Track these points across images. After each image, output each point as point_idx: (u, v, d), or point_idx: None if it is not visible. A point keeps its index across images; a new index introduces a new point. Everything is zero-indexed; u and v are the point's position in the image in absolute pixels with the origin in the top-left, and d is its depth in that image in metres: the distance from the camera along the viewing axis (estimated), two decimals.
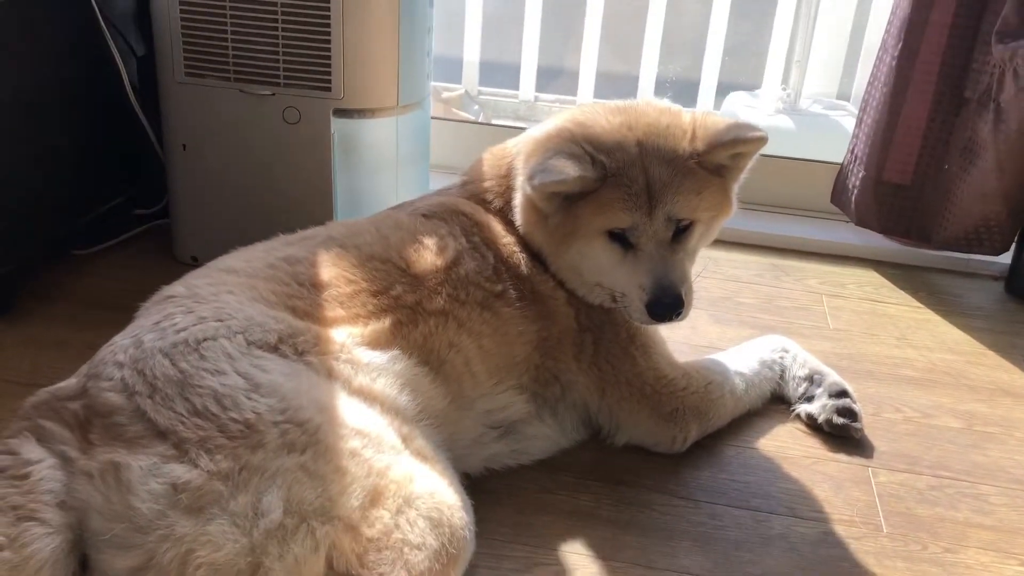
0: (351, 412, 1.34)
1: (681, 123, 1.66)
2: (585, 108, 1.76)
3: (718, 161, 1.65)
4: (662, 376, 1.74)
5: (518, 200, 1.71)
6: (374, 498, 1.25)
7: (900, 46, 2.43)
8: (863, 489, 1.70)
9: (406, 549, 1.23)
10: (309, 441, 1.24)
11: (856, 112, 2.68)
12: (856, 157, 2.62)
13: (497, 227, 1.73)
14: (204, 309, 1.37)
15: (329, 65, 2.04)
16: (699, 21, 3.08)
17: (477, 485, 1.59)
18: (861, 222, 2.66)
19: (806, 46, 3.09)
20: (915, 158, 2.52)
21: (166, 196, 2.34)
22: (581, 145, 1.60)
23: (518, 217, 1.71)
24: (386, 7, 2.02)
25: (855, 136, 2.63)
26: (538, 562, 1.49)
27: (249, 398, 1.24)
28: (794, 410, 1.89)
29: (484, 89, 3.31)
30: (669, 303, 1.60)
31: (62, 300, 2.14)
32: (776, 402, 1.93)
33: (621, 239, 1.62)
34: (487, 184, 1.80)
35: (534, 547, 1.52)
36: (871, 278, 2.57)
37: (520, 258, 1.70)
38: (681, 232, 1.64)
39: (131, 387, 1.22)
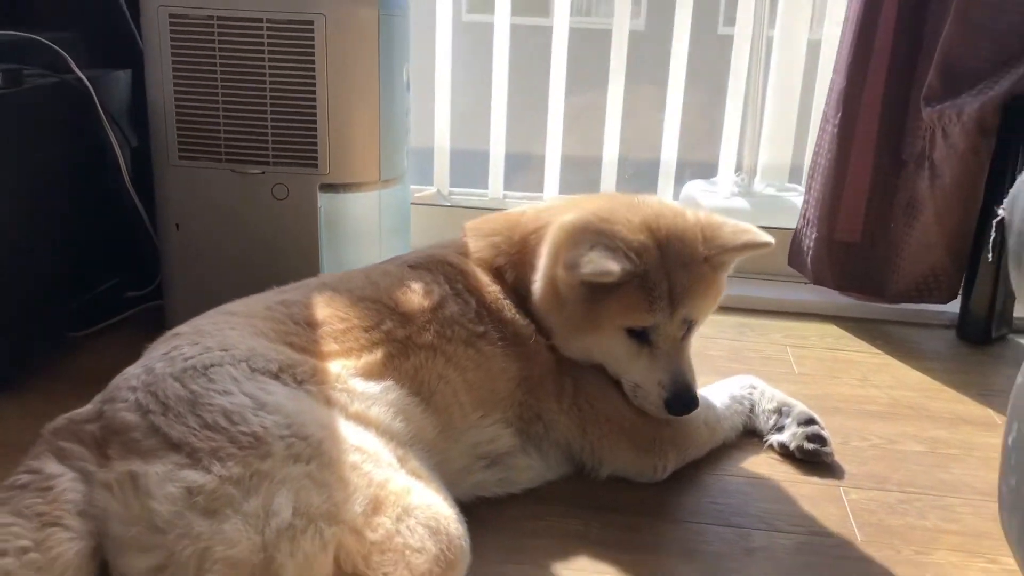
0: (350, 432, 1.43)
1: (691, 226, 1.81)
2: (601, 202, 1.87)
3: (718, 262, 1.81)
4: (639, 411, 1.84)
5: (538, 278, 1.81)
6: (375, 506, 1.33)
7: (839, 115, 2.65)
8: (836, 505, 1.79)
9: (407, 552, 1.30)
10: (313, 453, 1.32)
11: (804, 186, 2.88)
12: (808, 220, 2.81)
13: (483, 277, 1.84)
14: (209, 341, 1.47)
15: (315, 143, 2.20)
16: (656, 108, 3.31)
17: (467, 512, 1.65)
18: (818, 280, 2.82)
19: (756, 128, 3.32)
20: (862, 217, 2.71)
21: (158, 277, 2.45)
22: (616, 243, 1.72)
23: (536, 294, 1.81)
24: (367, 89, 2.20)
25: (806, 201, 2.82)
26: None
27: (256, 414, 1.33)
28: (766, 440, 1.99)
29: (455, 189, 3.49)
30: (688, 400, 1.76)
31: (60, 378, 2.21)
32: (749, 436, 2.03)
33: (638, 335, 1.76)
34: (492, 242, 1.90)
35: (527, 566, 1.58)
36: (831, 331, 2.71)
37: (503, 304, 1.82)
38: (688, 329, 1.80)
39: (145, 407, 1.31)
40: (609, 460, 1.84)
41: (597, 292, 1.74)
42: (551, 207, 1.95)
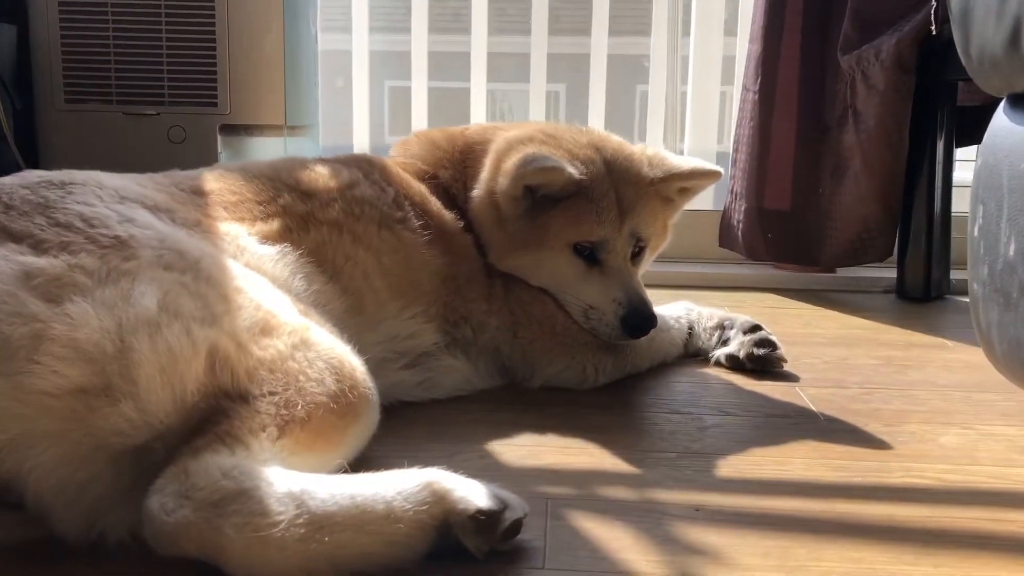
0: (238, 268, 1.23)
1: (638, 152, 1.75)
2: (547, 125, 1.81)
3: (668, 192, 1.74)
4: (571, 315, 1.67)
5: (477, 190, 1.67)
6: (265, 328, 1.13)
7: (759, 81, 2.62)
8: (794, 398, 1.63)
9: (301, 378, 1.09)
10: (189, 267, 1.13)
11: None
12: (736, 194, 2.74)
13: (408, 177, 1.69)
14: (75, 174, 1.27)
15: (215, 79, 2.06)
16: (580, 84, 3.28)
17: (387, 412, 1.44)
18: (751, 254, 2.73)
19: (680, 108, 3.30)
20: (790, 184, 2.64)
21: None
22: (561, 153, 1.63)
23: (475, 208, 1.67)
24: (271, 24, 2.08)
25: (732, 176, 2.76)
26: (458, 452, 1.33)
27: (121, 224, 1.13)
28: (713, 357, 1.82)
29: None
30: (646, 317, 1.63)
31: None
32: (692, 361, 1.85)
33: (586, 253, 1.63)
34: (430, 151, 1.76)
35: (453, 443, 1.36)
36: (770, 298, 2.59)
37: (429, 199, 1.66)
38: (635, 255, 1.70)
39: None
40: (542, 365, 1.65)
41: (541, 206, 1.62)
42: (497, 125, 1.85)
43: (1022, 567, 1.02)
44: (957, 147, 2.58)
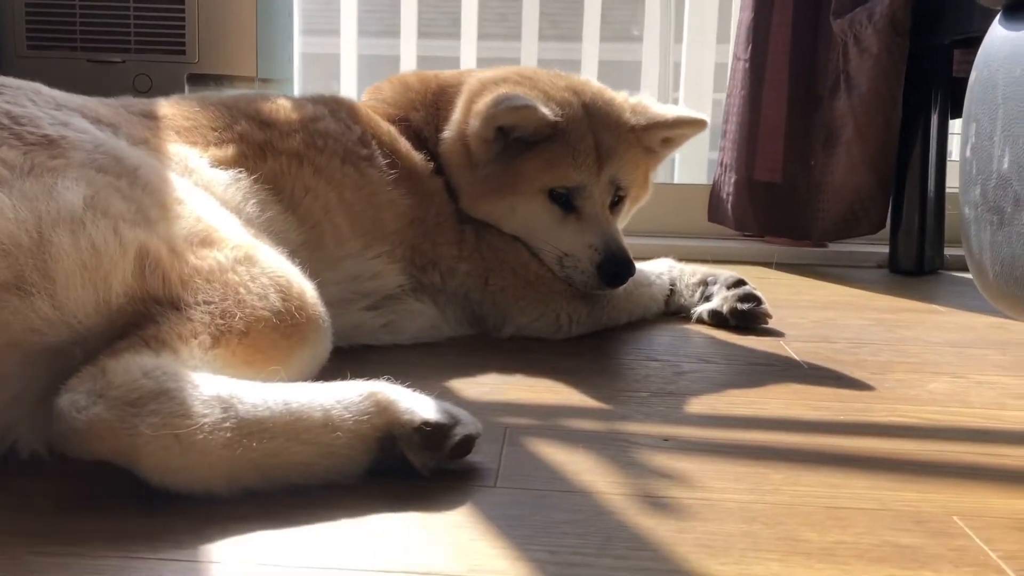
0: (183, 182, 1.16)
1: (619, 99, 1.68)
2: (524, 68, 1.74)
3: (651, 142, 1.67)
4: (546, 263, 1.60)
5: (447, 132, 1.60)
6: (205, 240, 1.05)
7: (750, 48, 2.56)
8: (778, 350, 1.55)
9: (242, 290, 1.02)
10: (124, 172, 1.05)
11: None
12: (726, 166, 2.66)
13: (376, 116, 1.61)
14: (10, 80, 1.19)
15: (183, 26, 1.99)
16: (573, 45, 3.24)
17: (344, 353, 1.36)
18: (741, 227, 2.66)
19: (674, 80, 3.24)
20: (782, 155, 2.57)
21: None
22: (536, 94, 1.56)
23: (445, 149, 1.59)
24: None
25: (721, 148, 2.69)
26: (416, 388, 1.24)
27: (52, 125, 1.06)
28: (695, 313, 1.74)
29: None
30: (624, 263, 1.55)
31: None
32: (674, 319, 1.77)
33: (562, 199, 1.56)
34: (401, 92, 1.69)
35: (413, 381, 1.28)
36: (760, 271, 2.51)
37: (397, 139, 1.58)
38: (614, 205, 1.62)
39: None
40: (514, 314, 1.57)
41: (514, 149, 1.54)
42: (471, 69, 1.78)
43: (1011, 494, 0.94)
44: (953, 119, 2.51)
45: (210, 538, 0.78)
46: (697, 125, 1.70)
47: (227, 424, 0.84)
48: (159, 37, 1.99)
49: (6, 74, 2.07)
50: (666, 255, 2.56)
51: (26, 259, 0.89)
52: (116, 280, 0.93)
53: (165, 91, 2.00)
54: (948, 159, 2.52)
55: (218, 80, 2.03)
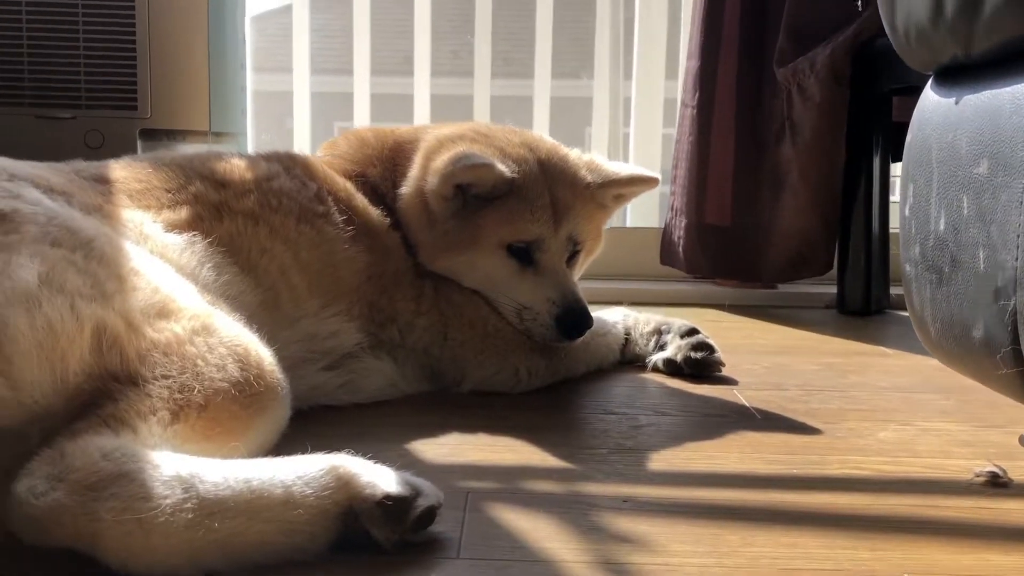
0: (138, 251, 1.15)
1: (574, 156, 1.71)
2: (479, 124, 1.77)
3: (603, 198, 1.71)
4: (505, 317, 1.62)
5: (405, 189, 1.61)
6: (162, 312, 1.05)
7: (697, 96, 2.62)
8: (732, 397, 1.58)
9: (200, 363, 1.02)
10: (79, 244, 1.05)
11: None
12: (676, 210, 2.71)
13: (332, 173, 1.62)
14: None
15: (135, 81, 1.99)
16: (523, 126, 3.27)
17: (304, 415, 1.36)
18: (692, 270, 2.70)
19: (624, 149, 3.29)
20: (730, 200, 2.63)
21: None
22: (493, 151, 1.58)
23: (403, 207, 1.61)
24: (195, 25, 2.02)
25: (672, 193, 2.74)
26: (379, 451, 1.23)
27: (4, 198, 1.05)
28: (650, 362, 1.77)
29: None
30: (581, 316, 1.58)
31: None
32: (629, 368, 1.80)
33: (520, 254, 1.58)
34: (358, 149, 1.70)
35: (373, 443, 1.27)
36: (712, 314, 2.55)
37: (354, 196, 1.59)
38: (570, 258, 1.65)
39: None
40: (473, 368, 1.58)
41: (472, 206, 1.56)
42: (427, 125, 1.80)
43: (957, 549, 0.97)
44: (894, 163, 2.59)
45: None
46: (649, 183, 1.75)
47: (188, 505, 0.84)
48: (110, 92, 1.99)
49: None
50: (619, 298, 2.61)
51: None
52: (73, 358, 0.93)
53: (117, 146, 1.99)
54: (891, 200, 2.60)
55: (171, 135, 2.03)
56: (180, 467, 0.87)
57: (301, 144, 3.19)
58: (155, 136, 2.02)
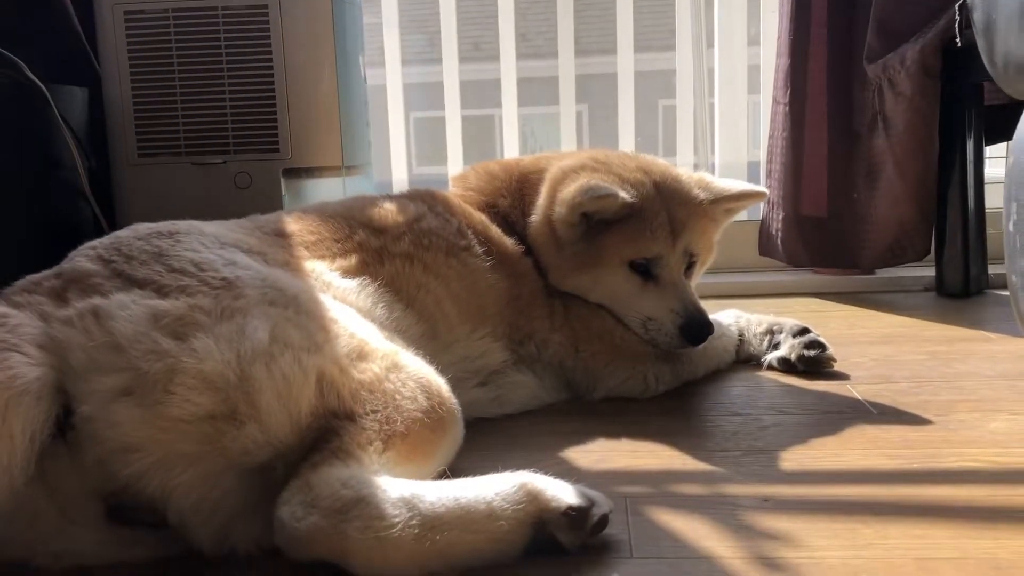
0: (328, 300, 1.35)
1: (686, 176, 1.87)
2: (596, 152, 1.92)
3: (715, 213, 1.86)
4: (630, 328, 1.77)
5: (534, 218, 1.78)
6: (360, 354, 1.24)
7: (788, 94, 2.72)
8: (846, 394, 1.71)
9: (398, 397, 1.20)
10: (289, 302, 1.24)
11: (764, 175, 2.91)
12: (773, 203, 2.82)
13: (468, 207, 1.80)
14: (177, 224, 1.40)
15: (276, 127, 2.19)
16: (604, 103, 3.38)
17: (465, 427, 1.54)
18: (792, 260, 2.81)
19: (709, 120, 3.39)
20: (826, 191, 2.73)
21: None
22: (612, 178, 1.74)
23: (533, 234, 1.78)
24: (325, 72, 2.22)
25: (768, 187, 2.84)
26: (537, 460, 1.42)
27: (226, 267, 1.25)
28: (765, 361, 1.91)
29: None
30: (703, 324, 1.73)
31: None
32: (745, 366, 1.94)
33: (642, 270, 1.74)
34: (488, 181, 1.88)
35: (530, 452, 1.46)
36: (813, 303, 2.67)
37: (490, 227, 1.77)
38: (687, 269, 1.80)
39: (107, 258, 1.23)
40: (604, 377, 1.75)
41: (596, 228, 1.73)
42: (549, 154, 1.96)
43: None
44: (987, 144, 2.65)
45: None
46: (758, 197, 1.88)
47: (414, 522, 1.02)
48: (255, 138, 2.20)
49: (120, 182, 2.30)
50: (723, 291, 2.75)
51: (235, 393, 1.08)
52: (304, 402, 1.13)
53: (263, 185, 2.21)
54: (985, 182, 2.66)
55: (309, 172, 2.24)
56: (403, 490, 1.06)
57: (396, 136, 3.34)
58: (295, 174, 2.23)
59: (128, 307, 1.11)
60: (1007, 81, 1.28)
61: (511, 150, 3.30)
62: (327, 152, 2.25)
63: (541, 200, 1.78)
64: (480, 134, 3.60)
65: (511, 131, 3.33)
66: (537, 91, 5.84)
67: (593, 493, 1.13)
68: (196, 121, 2.20)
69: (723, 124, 3.27)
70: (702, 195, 1.81)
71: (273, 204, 2.21)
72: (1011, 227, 1.29)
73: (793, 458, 1.39)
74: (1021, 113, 1.34)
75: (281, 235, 1.56)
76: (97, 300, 1.14)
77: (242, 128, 2.20)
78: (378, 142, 3.43)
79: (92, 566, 1.10)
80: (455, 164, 3.35)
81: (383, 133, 3.37)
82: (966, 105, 2.53)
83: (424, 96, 4.56)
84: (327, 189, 2.28)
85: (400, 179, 3.41)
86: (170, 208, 2.25)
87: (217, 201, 2.26)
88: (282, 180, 2.22)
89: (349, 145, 2.28)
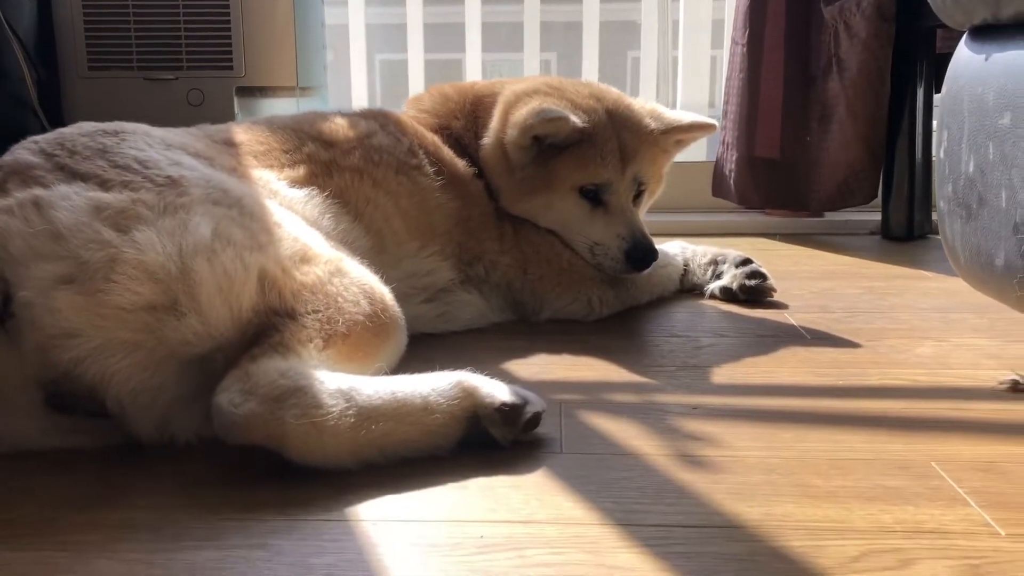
0: (274, 205, 1.36)
1: (638, 105, 1.88)
2: (551, 78, 1.92)
3: (665, 143, 1.88)
4: (578, 252, 1.80)
5: (487, 140, 1.79)
6: (304, 257, 1.25)
7: (747, 33, 2.74)
8: (783, 320, 1.76)
9: (340, 299, 1.22)
10: (233, 203, 1.25)
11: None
12: (727, 144, 2.86)
13: (420, 127, 1.80)
14: (124, 124, 1.39)
15: (230, 44, 2.17)
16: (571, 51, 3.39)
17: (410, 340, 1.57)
18: (743, 201, 2.86)
19: (672, 71, 3.41)
20: (779, 133, 2.77)
21: None
22: (564, 103, 1.75)
23: (485, 156, 1.79)
24: None
25: (723, 128, 2.87)
26: (478, 371, 1.46)
27: (171, 166, 1.26)
28: (707, 290, 1.95)
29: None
30: (648, 249, 1.76)
31: None
32: (688, 296, 1.98)
33: (591, 195, 1.76)
34: (442, 103, 1.88)
35: (473, 364, 1.48)
36: (762, 243, 2.72)
37: (442, 148, 1.78)
38: (636, 198, 1.82)
39: (50, 152, 1.23)
40: (550, 299, 1.78)
41: (547, 153, 1.74)
42: (504, 80, 1.96)
43: (978, 442, 1.16)
44: (936, 94, 2.70)
45: (349, 502, 1.00)
46: (707, 129, 1.91)
47: (351, 411, 1.05)
48: (209, 54, 2.18)
49: (69, 94, 2.27)
50: (674, 230, 2.79)
51: (176, 285, 1.09)
52: (245, 298, 1.14)
53: (216, 103, 2.19)
54: (934, 131, 2.71)
55: (263, 91, 2.22)
56: (340, 382, 1.08)
57: (357, 75, 3.30)
58: (249, 93, 2.21)
59: (70, 198, 1.12)
60: (945, 10, 1.31)
61: None
62: (282, 71, 2.23)
63: (494, 123, 1.79)
64: (444, 79, 3.59)
65: (475, 77, 3.31)
66: (504, 37, 5.79)
67: (527, 393, 1.17)
68: (149, 34, 2.17)
69: (686, 75, 3.28)
70: (653, 124, 1.83)
71: (226, 121, 2.19)
72: (942, 154, 1.33)
73: (725, 374, 1.44)
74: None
75: (230, 144, 1.56)
76: (38, 191, 1.14)
77: (196, 43, 2.17)
78: (341, 83, 3.41)
79: (30, 452, 1.12)
80: None
81: (345, 75, 3.34)
82: (918, 53, 2.57)
83: (388, 38, 4.49)
84: (281, 109, 2.27)
85: None
86: (123, 120, 2.24)
87: (170, 118, 2.20)
88: (235, 98, 2.20)
89: (304, 65, 2.26)
